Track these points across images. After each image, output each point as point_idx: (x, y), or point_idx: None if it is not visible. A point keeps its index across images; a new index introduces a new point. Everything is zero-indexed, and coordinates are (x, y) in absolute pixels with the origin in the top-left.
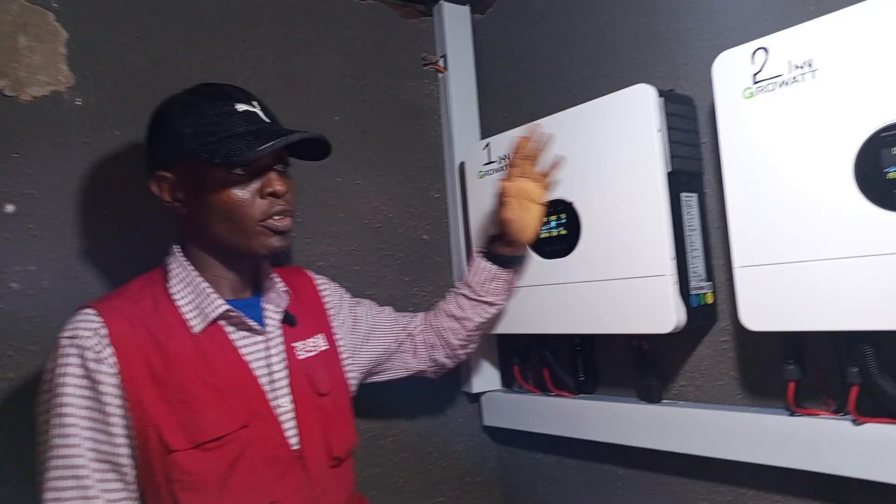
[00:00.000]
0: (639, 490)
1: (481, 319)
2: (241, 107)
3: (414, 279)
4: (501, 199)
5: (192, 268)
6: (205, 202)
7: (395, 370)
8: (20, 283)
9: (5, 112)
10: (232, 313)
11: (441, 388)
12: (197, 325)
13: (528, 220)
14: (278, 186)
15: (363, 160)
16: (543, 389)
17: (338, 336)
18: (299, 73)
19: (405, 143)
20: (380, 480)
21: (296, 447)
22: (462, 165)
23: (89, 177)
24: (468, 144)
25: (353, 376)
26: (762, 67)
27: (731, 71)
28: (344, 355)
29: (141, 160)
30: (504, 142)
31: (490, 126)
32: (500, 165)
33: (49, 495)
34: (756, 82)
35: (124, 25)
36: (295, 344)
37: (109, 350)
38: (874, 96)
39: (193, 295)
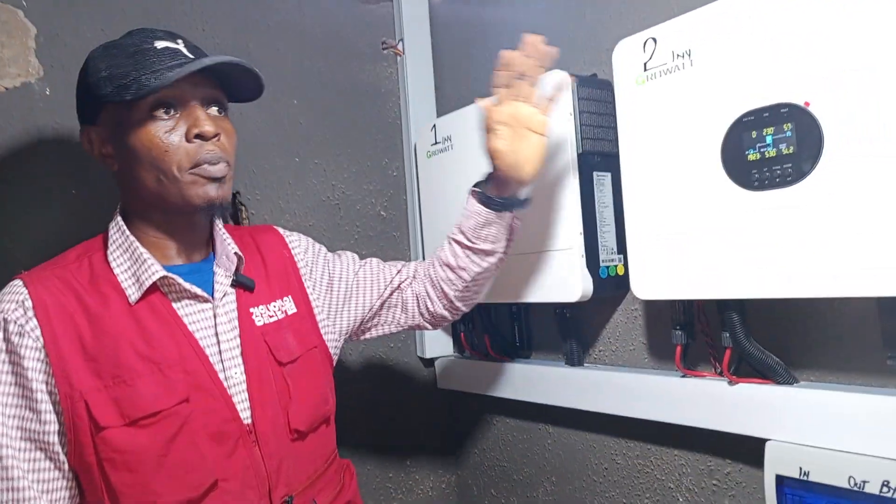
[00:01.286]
0: (566, 446)
1: (478, 269)
2: (160, 44)
3: (371, 253)
4: (489, 126)
5: (129, 233)
6: (131, 152)
7: (386, 325)
8: None
9: None
10: (170, 280)
11: (397, 353)
12: (133, 293)
13: (525, 152)
14: (206, 127)
15: (321, 141)
16: (486, 355)
17: (313, 296)
18: (257, 60)
19: (364, 123)
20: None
21: (247, 421)
22: (415, 146)
23: (59, 160)
24: (420, 125)
25: (332, 338)
26: (651, 56)
27: (626, 58)
28: (320, 316)
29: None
30: (447, 123)
31: (445, 107)
32: (444, 146)
33: None
34: (646, 70)
35: (88, 19)
36: (253, 309)
37: (34, 322)
38: (739, 84)
39: (130, 262)
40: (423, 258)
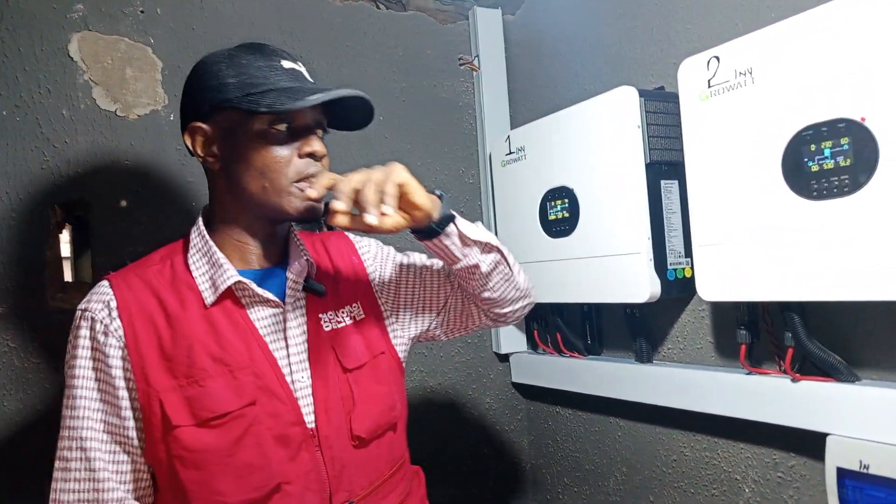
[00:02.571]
0: (635, 439)
1: (482, 292)
2: (286, 63)
3: None
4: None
5: (209, 238)
6: (241, 157)
7: (455, 327)
8: (130, 260)
9: (119, 128)
10: (243, 285)
11: (474, 349)
12: (209, 297)
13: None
14: (317, 147)
15: (404, 152)
16: (558, 351)
17: (381, 300)
18: (347, 81)
19: (443, 135)
20: (417, 427)
21: (311, 425)
22: (490, 155)
23: (180, 176)
24: (495, 136)
25: (401, 342)
26: (715, 73)
27: (691, 76)
28: (389, 321)
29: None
30: (521, 135)
31: (518, 118)
32: (518, 156)
33: (58, 465)
34: (710, 86)
35: (204, 52)
36: (322, 315)
37: (117, 322)
38: (799, 101)
39: (208, 266)
40: None
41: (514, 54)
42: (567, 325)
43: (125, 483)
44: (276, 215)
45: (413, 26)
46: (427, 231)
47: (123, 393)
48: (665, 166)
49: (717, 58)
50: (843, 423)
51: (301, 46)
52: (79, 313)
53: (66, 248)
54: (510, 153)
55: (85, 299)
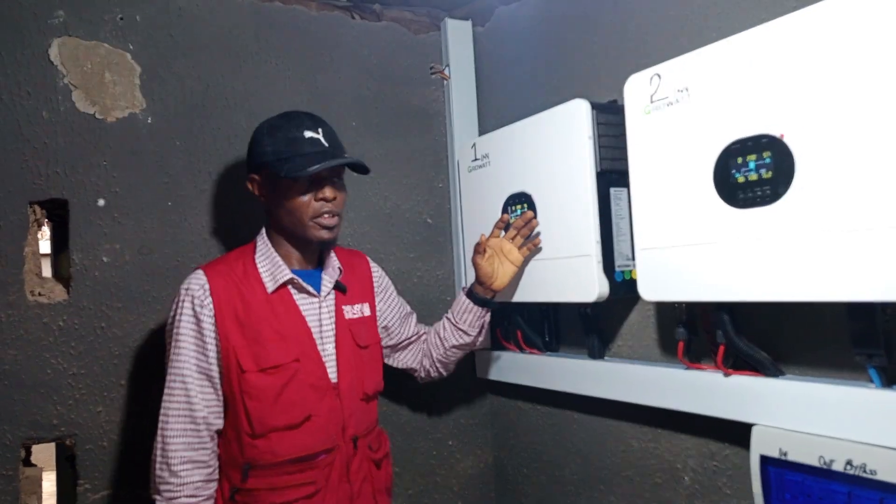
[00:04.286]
0: (589, 432)
1: (455, 342)
2: (307, 133)
3: (418, 256)
4: (479, 249)
5: (271, 245)
6: (278, 200)
7: (402, 359)
8: (109, 258)
9: (97, 131)
10: (294, 280)
11: None
12: (270, 286)
13: (498, 271)
14: (328, 194)
15: (376, 157)
16: (519, 348)
17: (378, 310)
18: (322, 88)
19: (413, 141)
20: (386, 417)
21: (334, 380)
22: (458, 162)
23: (157, 177)
24: (463, 143)
25: (382, 343)
26: (657, 89)
27: (636, 91)
28: (380, 325)
29: (200, 165)
30: (485, 142)
31: (486, 126)
32: (483, 162)
33: (166, 391)
34: (652, 101)
35: (182, 59)
36: (344, 307)
37: (210, 300)
38: (728, 117)
39: (270, 265)
40: (464, 262)
41: (484, 64)
42: (527, 324)
43: (208, 406)
44: (304, 240)
45: (387, 36)
46: (485, 301)
47: (211, 346)
48: (615, 175)
49: (659, 75)
50: (768, 414)
51: (277, 54)
52: (183, 291)
53: (45, 246)
54: (476, 160)
55: (186, 282)
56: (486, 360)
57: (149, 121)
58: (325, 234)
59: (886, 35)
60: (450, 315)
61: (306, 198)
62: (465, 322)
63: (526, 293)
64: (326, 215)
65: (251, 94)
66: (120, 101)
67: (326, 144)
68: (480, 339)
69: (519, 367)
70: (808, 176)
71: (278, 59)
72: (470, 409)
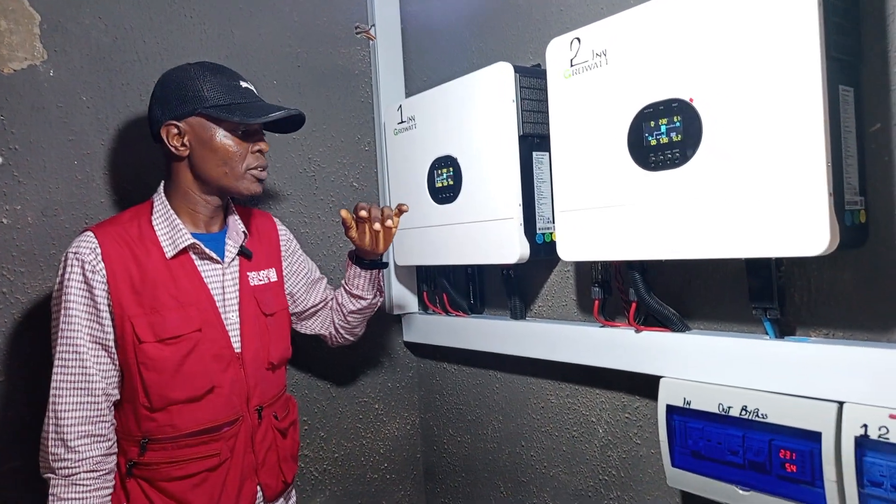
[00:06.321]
0: (510, 390)
1: (353, 307)
2: (244, 84)
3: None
4: (347, 225)
5: (169, 206)
6: (209, 149)
7: (310, 326)
8: (9, 220)
9: None
10: (196, 246)
11: None
12: (169, 251)
13: (378, 238)
14: (264, 146)
15: None
16: (445, 311)
17: (285, 274)
18: (241, 44)
19: (338, 102)
20: (312, 382)
21: (237, 350)
22: (384, 124)
23: (62, 134)
24: (389, 105)
25: (290, 307)
26: (577, 54)
27: (557, 55)
28: (287, 290)
29: (108, 122)
30: (411, 105)
31: (413, 88)
32: (409, 125)
33: (56, 363)
34: (572, 65)
35: (87, 7)
36: (249, 273)
37: (102, 264)
38: (643, 81)
39: (168, 228)
40: None
41: (410, 25)
42: (453, 287)
43: (105, 378)
44: (231, 193)
45: None
46: (374, 262)
47: (105, 314)
48: (537, 139)
49: (578, 39)
50: (674, 366)
51: (192, 5)
52: (71, 255)
53: None
54: (402, 122)
55: (74, 245)
56: (412, 324)
57: (51, 74)
58: (257, 188)
59: (785, 2)
60: (343, 282)
61: (243, 149)
62: (358, 287)
63: (450, 255)
64: (259, 168)
65: (164, 49)
66: (17, 51)
67: (259, 97)
68: (379, 298)
69: (445, 329)
70: (715, 139)
71: (193, 11)
72: (396, 372)
